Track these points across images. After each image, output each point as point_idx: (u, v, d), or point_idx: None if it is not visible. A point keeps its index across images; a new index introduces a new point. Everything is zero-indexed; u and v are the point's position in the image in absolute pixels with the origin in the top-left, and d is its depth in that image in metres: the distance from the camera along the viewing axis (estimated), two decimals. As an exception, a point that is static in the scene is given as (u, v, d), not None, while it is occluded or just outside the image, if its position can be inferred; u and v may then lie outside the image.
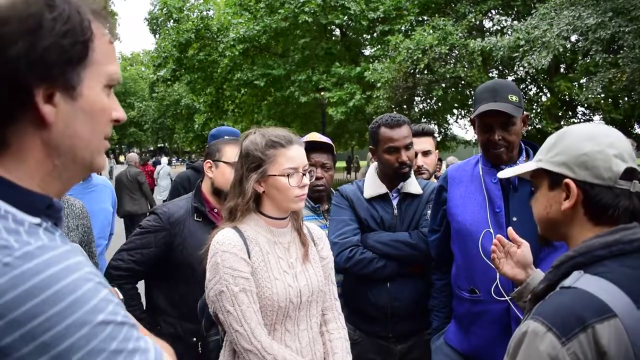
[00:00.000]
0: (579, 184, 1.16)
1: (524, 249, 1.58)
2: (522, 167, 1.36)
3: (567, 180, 1.17)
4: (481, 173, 2.07)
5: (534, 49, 10.23)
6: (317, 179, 2.48)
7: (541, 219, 1.27)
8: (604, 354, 1.00)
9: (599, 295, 1.05)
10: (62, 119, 0.73)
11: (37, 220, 0.72)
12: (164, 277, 2.33)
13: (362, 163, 26.77)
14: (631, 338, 1.02)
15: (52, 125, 0.72)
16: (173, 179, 4.06)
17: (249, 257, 1.63)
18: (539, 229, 1.31)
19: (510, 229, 1.62)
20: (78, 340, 0.63)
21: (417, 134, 2.99)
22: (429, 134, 3.12)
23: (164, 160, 19.06)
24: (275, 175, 1.65)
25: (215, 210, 2.39)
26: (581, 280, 1.09)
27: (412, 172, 2.46)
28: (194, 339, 2.23)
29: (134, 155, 9.24)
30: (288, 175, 1.65)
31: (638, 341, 1.03)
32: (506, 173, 1.45)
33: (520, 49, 10.63)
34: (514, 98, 1.95)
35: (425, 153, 3.02)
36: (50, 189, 0.76)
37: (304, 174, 1.69)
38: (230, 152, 2.35)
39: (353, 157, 31.55)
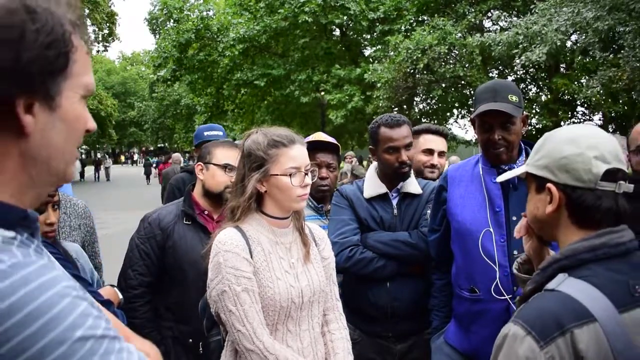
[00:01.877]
0: (560, 187, 1.16)
1: None
2: (515, 172, 1.37)
3: (548, 184, 1.17)
4: (481, 173, 2.07)
5: (533, 45, 10.24)
6: (322, 178, 2.48)
7: (532, 220, 1.28)
8: (582, 358, 1.00)
9: (580, 299, 1.05)
10: (40, 130, 0.72)
11: (11, 233, 0.70)
12: (157, 281, 2.35)
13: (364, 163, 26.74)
14: (611, 343, 1.02)
15: (30, 135, 0.72)
16: (168, 183, 4.08)
17: (251, 257, 1.63)
18: (535, 229, 1.32)
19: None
20: (57, 358, 0.62)
21: (436, 132, 3.05)
22: (445, 135, 3.15)
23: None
24: (277, 175, 1.65)
25: (206, 212, 2.40)
26: (564, 284, 1.09)
27: (413, 171, 2.47)
28: (190, 340, 2.25)
29: (178, 156, 9.47)
30: (290, 175, 1.65)
31: (619, 346, 1.02)
32: (502, 177, 1.46)
33: (520, 45, 10.63)
34: (514, 98, 1.96)
35: (441, 154, 3.03)
36: (24, 200, 0.75)
37: (306, 174, 1.70)
38: (221, 155, 2.37)
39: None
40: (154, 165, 32.15)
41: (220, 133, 3.44)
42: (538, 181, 1.21)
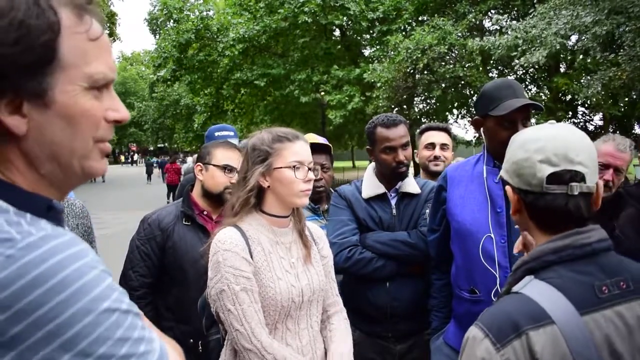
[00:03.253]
0: (516, 191, 1.18)
1: None
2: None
3: (507, 187, 1.20)
4: (485, 173, 2.06)
5: (532, 48, 10.25)
6: (317, 179, 2.49)
7: (515, 221, 1.29)
8: None
9: (540, 301, 1.05)
10: (36, 128, 0.70)
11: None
12: (157, 282, 2.36)
13: (364, 163, 26.77)
14: (570, 345, 1.01)
15: (25, 135, 0.69)
16: (181, 181, 4.16)
17: (251, 257, 1.63)
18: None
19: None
20: (83, 329, 0.63)
21: (437, 128, 3.18)
22: (447, 130, 3.23)
23: (189, 159, 19.47)
24: (280, 168, 1.66)
25: (205, 212, 2.40)
26: (528, 286, 1.09)
27: (413, 170, 2.48)
28: (191, 340, 2.25)
29: (191, 167, 9.62)
30: (294, 167, 1.66)
31: (577, 348, 1.02)
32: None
33: (519, 48, 10.65)
34: (526, 95, 1.97)
35: (443, 146, 3.11)
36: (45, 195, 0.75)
37: (309, 169, 1.71)
38: (221, 155, 2.36)
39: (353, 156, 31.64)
40: (155, 164, 32.73)
41: (232, 133, 3.38)
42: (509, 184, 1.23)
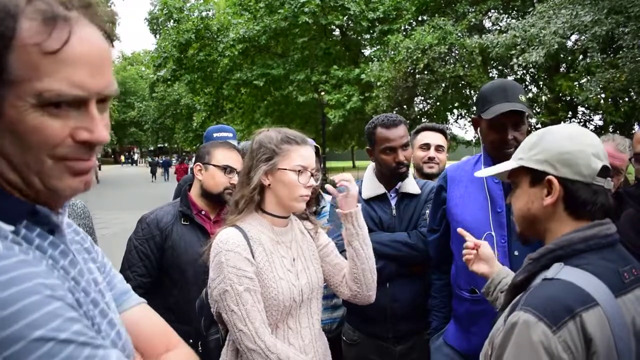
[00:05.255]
0: (560, 181, 1.22)
1: (486, 246, 1.71)
2: (502, 166, 1.41)
3: (549, 177, 1.23)
4: None
5: (531, 47, 10.24)
6: None
7: (523, 215, 1.33)
8: (590, 340, 1.06)
9: (582, 285, 1.11)
10: None
11: (9, 227, 0.69)
12: (157, 283, 2.35)
13: (364, 163, 26.76)
14: (611, 326, 1.08)
15: None
16: (178, 183, 4.11)
17: (253, 258, 1.63)
18: (517, 227, 1.37)
19: (459, 229, 1.77)
20: (11, 356, 0.60)
21: (432, 129, 3.13)
22: (442, 131, 3.18)
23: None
24: (285, 169, 1.67)
25: (203, 212, 2.39)
26: (563, 272, 1.15)
27: (413, 170, 2.47)
28: (191, 340, 2.25)
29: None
30: (298, 171, 1.67)
31: (616, 329, 1.08)
32: (487, 172, 1.50)
33: (518, 47, 10.64)
34: (523, 98, 1.96)
35: (438, 148, 3.05)
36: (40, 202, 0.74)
37: (312, 175, 1.71)
38: (220, 156, 2.36)
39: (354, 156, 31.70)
40: (159, 164, 34.75)
41: (230, 134, 3.37)
42: (534, 175, 1.27)
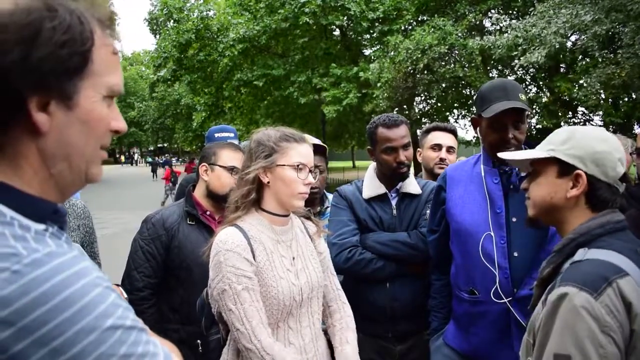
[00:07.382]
0: (587, 177, 1.33)
1: None
2: (531, 153, 1.47)
3: (579, 171, 1.33)
4: (482, 172, 2.06)
5: (532, 47, 10.24)
6: None
7: (542, 202, 1.41)
8: (630, 304, 1.16)
9: (611, 260, 1.22)
10: (57, 128, 0.73)
11: (42, 226, 0.72)
12: (163, 283, 2.34)
13: (364, 163, 26.76)
14: None
15: (46, 133, 0.72)
16: (179, 183, 4.08)
17: (254, 258, 1.63)
18: (531, 211, 1.45)
19: None
20: (87, 346, 0.64)
21: (444, 129, 3.11)
22: (453, 132, 3.17)
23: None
24: (283, 166, 1.67)
25: (208, 213, 2.39)
26: (589, 254, 1.26)
27: (423, 169, 2.46)
28: (198, 341, 2.23)
29: None
30: (297, 167, 1.68)
31: None
32: (513, 155, 1.54)
33: (519, 48, 10.64)
34: (523, 97, 1.96)
35: (449, 149, 3.04)
36: (49, 197, 0.76)
37: (311, 172, 1.72)
38: (227, 157, 2.36)
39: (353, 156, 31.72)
40: (160, 163, 35.85)
41: (232, 135, 3.37)
42: (563, 167, 1.36)
